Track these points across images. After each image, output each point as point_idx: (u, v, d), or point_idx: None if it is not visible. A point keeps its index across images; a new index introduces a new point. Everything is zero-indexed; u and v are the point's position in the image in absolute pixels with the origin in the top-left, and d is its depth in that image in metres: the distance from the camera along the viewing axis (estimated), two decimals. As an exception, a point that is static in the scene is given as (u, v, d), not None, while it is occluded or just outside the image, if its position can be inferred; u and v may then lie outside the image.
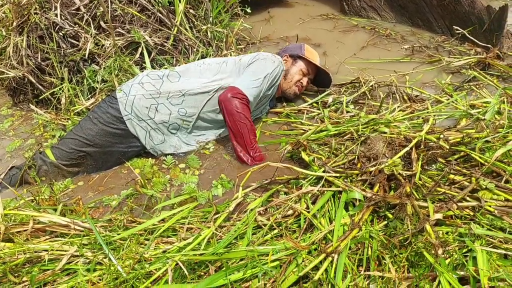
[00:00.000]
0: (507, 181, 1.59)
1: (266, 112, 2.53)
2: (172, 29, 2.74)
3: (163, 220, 1.64)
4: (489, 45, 2.88)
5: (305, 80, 2.58)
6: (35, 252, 1.44)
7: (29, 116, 2.72)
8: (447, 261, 1.30)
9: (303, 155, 1.91)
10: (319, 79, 2.70)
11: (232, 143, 2.10)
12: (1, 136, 2.55)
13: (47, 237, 1.56)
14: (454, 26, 3.13)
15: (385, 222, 1.52)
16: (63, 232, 1.57)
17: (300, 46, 2.62)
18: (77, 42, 2.59)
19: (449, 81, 2.63)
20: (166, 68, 2.52)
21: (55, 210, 1.69)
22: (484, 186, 1.56)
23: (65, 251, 1.45)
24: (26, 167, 2.01)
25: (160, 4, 2.74)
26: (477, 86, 2.51)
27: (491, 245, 1.33)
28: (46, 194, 1.85)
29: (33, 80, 2.65)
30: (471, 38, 2.99)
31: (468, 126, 1.98)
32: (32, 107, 2.69)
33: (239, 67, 2.27)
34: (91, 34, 2.57)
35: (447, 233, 1.41)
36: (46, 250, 1.45)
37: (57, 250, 1.46)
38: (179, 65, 2.67)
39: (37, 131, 2.53)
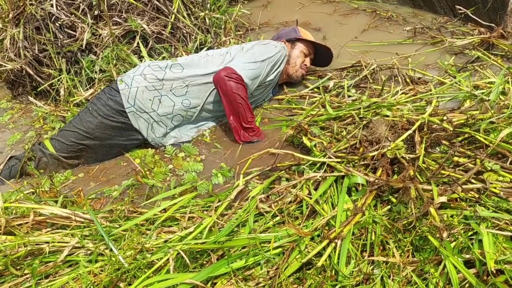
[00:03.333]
0: (512, 162, 1.56)
1: (268, 100, 2.51)
2: (170, 17, 2.70)
3: (164, 210, 1.62)
4: (493, 25, 2.81)
5: (308, 61, 2.59)
6: (36, 244, 1.44)
7: (28, 108, 2.71)
8: (452, 245, 1.28)
9: (305, 140, 1.89)
10: (318, 58, 2.70)
11: (228, 121, 2.11)
12: (1, 129, 2.54)
13: (48, 229, 1.55)
14: (456, 6, 3.06)
15: (389, 206, 1.50)
16: (64, 224, 1.56)
17: (294, 29, 2.64)
18: (74, 33, 2.56)
19: (452, 62, 2.58)
20: (166, 59, 2.49)
21: (56, 202, 1.69)
22: (489, 168, 1.53)
23: (66, 242, 1.45)
24: (25, 158, 1.99)
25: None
26: (481, 67, 2.46)
27: (497, 228, 1.30)
28: (46, 186, 1.84)
29: (31, 72, 2.63)
30: (474, 17, 2.93)
31: (472, 108, 1.94)
32: (31, 99, 2.68)
33: (242, 55, 2.25)
34: (87, 24, 2.54)
35: (452, 216, 1.39)
36: (47, 242, 1.45)
37: (58, 242, 1.45)
38: (177, 53, 2.64)
39: (37, 124, 2.52)
